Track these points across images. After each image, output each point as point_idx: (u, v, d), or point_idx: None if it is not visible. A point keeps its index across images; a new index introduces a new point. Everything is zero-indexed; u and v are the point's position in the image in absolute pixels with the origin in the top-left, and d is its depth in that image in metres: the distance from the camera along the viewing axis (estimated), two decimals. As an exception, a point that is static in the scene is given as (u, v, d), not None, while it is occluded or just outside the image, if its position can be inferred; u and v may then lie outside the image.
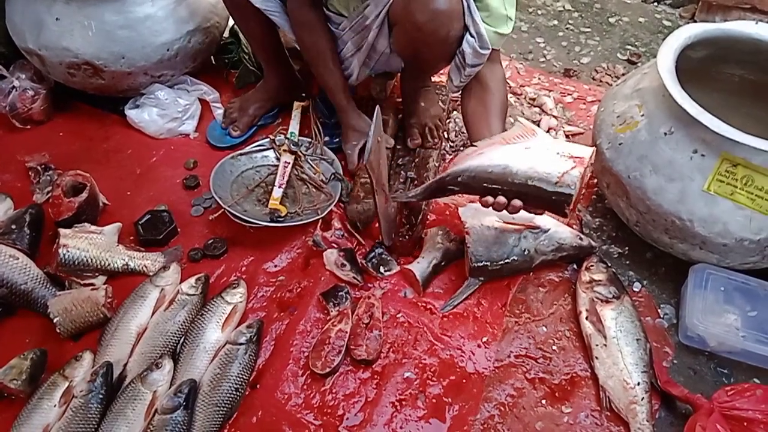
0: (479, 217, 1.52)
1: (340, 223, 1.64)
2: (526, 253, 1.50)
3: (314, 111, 1.89)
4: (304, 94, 1.96)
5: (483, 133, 1.47)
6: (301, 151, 1.76)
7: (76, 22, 1.77)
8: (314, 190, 1.71)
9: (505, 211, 1.35)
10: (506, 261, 1.49)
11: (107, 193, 1.70)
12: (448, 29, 1.42)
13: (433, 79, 1.98)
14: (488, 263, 1.48)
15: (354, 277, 1.51)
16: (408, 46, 1.51)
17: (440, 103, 1.93)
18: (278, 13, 1.64)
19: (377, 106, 1.45)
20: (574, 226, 1.65)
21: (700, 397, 1.26)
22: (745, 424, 1.21)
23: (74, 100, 2.02)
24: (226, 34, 2.13)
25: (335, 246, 1.58)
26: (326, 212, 1.61)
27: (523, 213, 1.54)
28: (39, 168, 1.76)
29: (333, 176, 1.73)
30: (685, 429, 1.23)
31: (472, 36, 1.44)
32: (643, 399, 1.28)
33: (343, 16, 1.60)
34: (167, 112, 1.90)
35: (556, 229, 1.54)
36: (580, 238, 1.55)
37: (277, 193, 1.64)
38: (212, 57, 2.14)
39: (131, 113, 1.92)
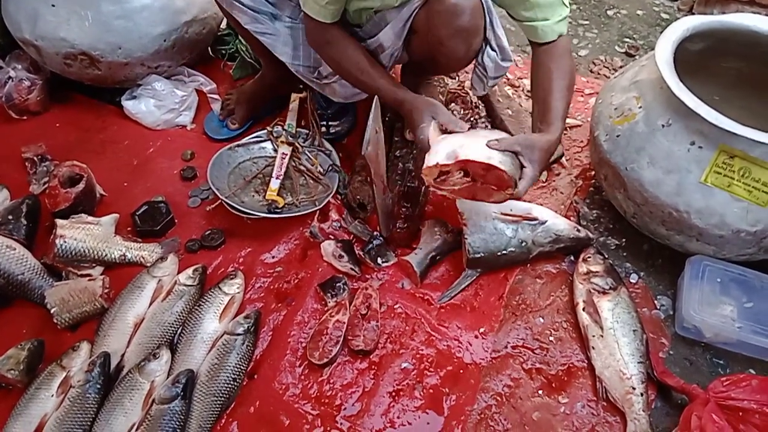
0: (477, 209, 1.52)
1: (338, 213, 1.64)
2: (523, 244, 1.50)
3: (312, 102, 1.88)
4: (301, 86, 1.95)
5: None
6: (298, 143, 1.76)
7: (73, 13, 1.76)
8: (312, 181, 1.71)
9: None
10: (503, 252, 1.49)
11: (104, 184, 1.70)
12: (469, 45, 1.41)
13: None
14: (485, 254, 1.48)
15: (351, 268, 1.51)
16: (426, 55, 1.49)
17: (439, 96, 1.92)
18: (269, 34, 1.60)
19: (375, 97, 1.44)
20: (572, 218, 1.65)
21: (696, 388, 1.26)
22: (741, 414, 1.21)
23: (71, 91, 2.01)
24: (223, 25, 2.12)
25: (332, 237, 1.58)
26: (324, 203, 1.61)
27: (520, 204, 1.55)
28: (35, 159, 1.75)
29: (330, 167, 1.73)
30: (680, 419, 1.23)
31: (493, 50, 1.43)
32: (639, 389, 1.28)
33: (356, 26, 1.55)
34: (164, 104, 1.90)
35: (554, 221, 1.54)
36: (578, 230, 1.55)
37: (274, 184, 1.64)
38: (209, 48, 2.13)
39: (128, 104, 1.91)
